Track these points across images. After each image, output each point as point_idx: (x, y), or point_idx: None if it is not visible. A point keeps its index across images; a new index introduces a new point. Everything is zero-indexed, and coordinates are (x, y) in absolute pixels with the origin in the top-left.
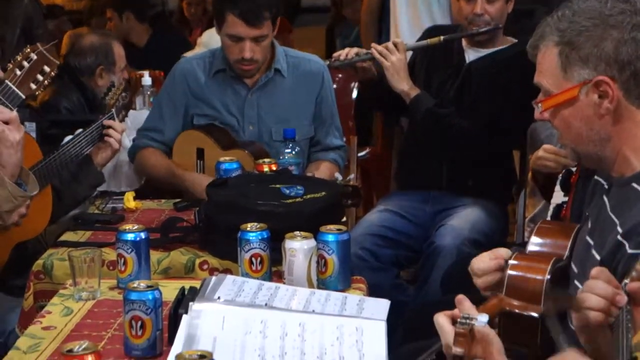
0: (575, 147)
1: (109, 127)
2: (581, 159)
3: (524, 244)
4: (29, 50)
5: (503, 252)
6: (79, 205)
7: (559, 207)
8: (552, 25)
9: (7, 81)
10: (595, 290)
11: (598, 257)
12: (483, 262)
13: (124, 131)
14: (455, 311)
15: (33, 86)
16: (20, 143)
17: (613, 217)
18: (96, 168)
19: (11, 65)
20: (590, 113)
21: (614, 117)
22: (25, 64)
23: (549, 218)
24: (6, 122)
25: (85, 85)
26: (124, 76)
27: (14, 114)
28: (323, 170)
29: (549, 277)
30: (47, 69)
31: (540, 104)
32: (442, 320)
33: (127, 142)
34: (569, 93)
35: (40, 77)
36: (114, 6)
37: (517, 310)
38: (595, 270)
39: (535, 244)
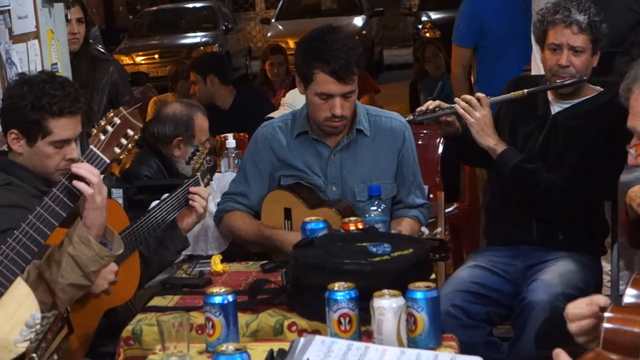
0: None
1: (195, 192)
2: None
3: (620, 296)
4: (112, 114)
5: (600, 298)
6: (164, 270)
7: None
8: None
9: (91, 146)
10: None
11: None
12: (578, 307)
13: (209, 195)
14: None
15: (117, 150)
16: (105, 204)
17: None
18: (182, 233)
19: (95, 130)
20: None
21: None
22: (109, 128)
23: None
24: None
25: (163, 153)
26: (206, 146)
27: (98, 175)
28: (404, 227)
29: None
30: (130, 132)
31: (635, 149)
32: None
33: (212, 207)
34: None
35: (124, 141)
36: (198, 70)
37: None
38: None
39: (631, 295)
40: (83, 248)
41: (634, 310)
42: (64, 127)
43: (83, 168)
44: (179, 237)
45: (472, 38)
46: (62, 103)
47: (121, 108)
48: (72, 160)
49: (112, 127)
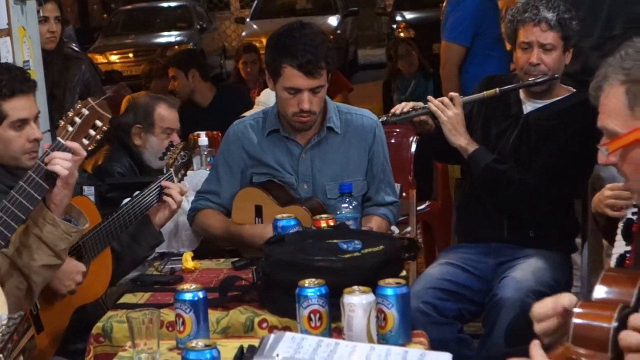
0: None
1: (167, 187)
2: None
3: (589, 293)
4: (80, 106)
5: (565, 299)
6: (138, 267)
7: (622, 257)
8: (616, 65)
9: (59, 138)
10: None
11: None
12: (544, 307)
13: (184, 193)
14: None
15: (85, 141)
16: (74, 185)
17: None
18: (155, 229)
19: (63, 122)
20: None
21: None
22: (77, 120)
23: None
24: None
25: (133, 149)
26: (172, 140)
27: (71, 157)
28: (373, 225)
29: (616, 324)
30: (99, 123)
31: (606, 147)
32: None
33: (186, 205)
34: (635, 134)
35: (92, 132)
36: (179, 65)
37: (583, 359)
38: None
39: (600, 292)
40: (50, 228)
41: (603, 305)
42: (19, 107)
43: (55, 158)
44: (153, 233)
45: (469, 37)
46: (11, 84)
47: (89, 99)
48: (37, 141)
49: (80, 118)
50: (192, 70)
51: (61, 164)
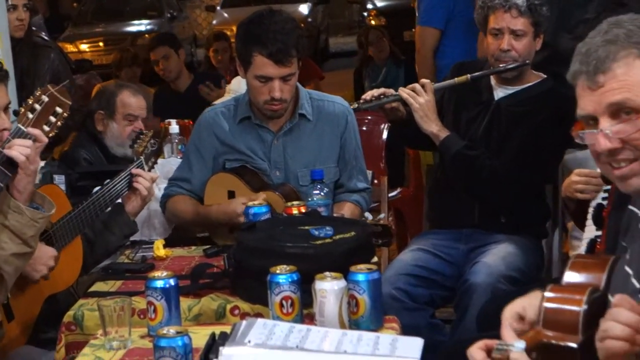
0: None
1: (137, 174)
2: None
3: (559, 278)
4: (40, 92)
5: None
6: (111, 255)
7: (592, 241)
8: (621, 42)
9: (19, 125)
10: (619, 318)
11: (638, 286)
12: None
13: (154, 180)
14: (490, 341)
15: (46, 128)
16: (36, 172)
17: None
18: (128, 217)
19: (23, 109)
20: None
21: None
22: (37, 106)
23: (583, 252)
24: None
25: (97, 136)
26: (135, 127)
27: (31, 143)
28: (345, 211)
29: (585, 307)
30: (59, 110)
31: (610, 130)
32: (475, 353)
33: (158, 192)
34: None
35: (53, 119)
36: (171, 43)
37: (554, 342)
38: (617, 298)
39: (570, 277)
40: (15, 216)
41: (573, 289)
42: None
43: (14, 144)
44: (126, 221)
45: (442, 20)
46: None
47: (49, 86)
48: (6, 130)
49: (40, 105)
50: (181, 50)
51: (19, 150)
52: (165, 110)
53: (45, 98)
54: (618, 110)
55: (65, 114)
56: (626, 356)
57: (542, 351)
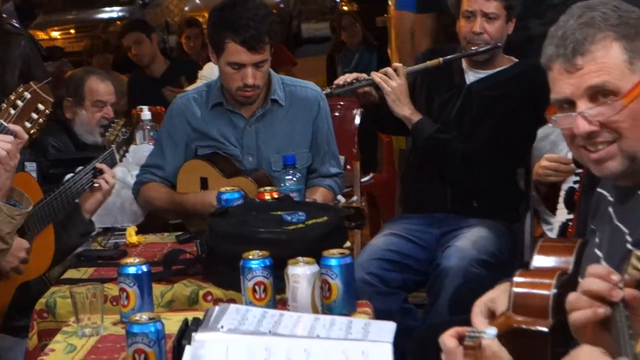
0: (637, 151)
1: (100, 169)
2: (625, 170)
3: (527, 263)
4: (22, 89)
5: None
6: (67, 257)
7: (564, 225)
8: (597, 25)
9: (0, 120)
10: (589, 288)
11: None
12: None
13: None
14: (462, 328)
15: (28, 125)
16: (15, 168)
17: (621, 226)
18: (84, 217)
19: (5, 105)
20: None
21: None
22: (19, 102)
23: (555, 236)
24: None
25: (67, 124)
26: (105, 113)
27: (12, 139)
28: (318, 196)
29: (555, 291)
30: (41, 107)
31: (589, 109)
32: (447, 340)
33: (130, 179)
34: None
35: (34, 116)
36: (143, 28)
37: (524, 326)
38: (589, 269)
39: (538, 261)
40: None
41: (542, 273)
42: None
43: None
44: (82, 220)
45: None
46: None
47: (31, 83)
48: None
49: (22, 101)
50: (154, 34)
51: (0, 145)
52: (141, 96)
53: (27, 95)
54: (596, 93)
55: (47, 111)
56: (595, 329)
57: (513, 336)
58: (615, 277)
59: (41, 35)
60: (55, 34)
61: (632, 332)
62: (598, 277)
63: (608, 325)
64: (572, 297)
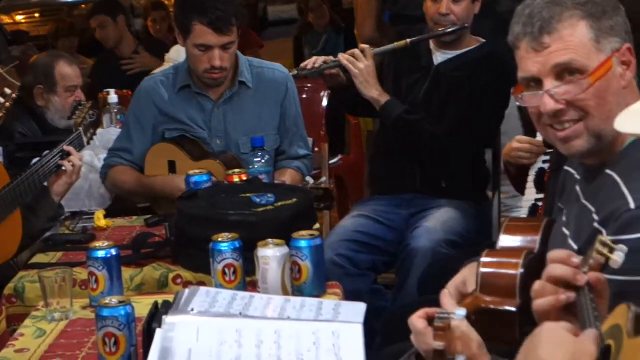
0: (603, 129)
1: (67, 151)
2: (592, 148)
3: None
4: None
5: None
6: (36, 241)
7: (534, 206)
8: (565, 3)
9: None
10: (554, 274)
11: (575, 247)
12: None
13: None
14: (431, 310)
15: None
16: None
17: (588, 205)
18: (53, 200)
19: None
20: (619, 85)
21: (629, 89)
22: None
23: (525, 216)
24: None
25: (35, 110)
26: (76, 97)
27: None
28: (287, 178)
29: (522, 270)
30: (8, 91)
31: (580, 82)
32: (417, 322)
33: (98, 163)
34: (607, 65)
35: (1, 100)
36: (107, 11)
37: (492, 306)
38: (550, 254)
39: (504, 241)
40: None
41: (508, 253)
42: None
43: None
44: (51, 204)
45: None
46: None
47: None
48: None
49: None
50: (120, 16)
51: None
52: (109, 77)
53: None
54: (563, 71)
55: (14, 95)
56: (558, 315)
57: (482, 316)
58: (576, 259)
59: (5, 19)
60: (20, 17)
61: (597, 315)
62: (560, 262)
63: (572, 311)
64: (537, 286)
